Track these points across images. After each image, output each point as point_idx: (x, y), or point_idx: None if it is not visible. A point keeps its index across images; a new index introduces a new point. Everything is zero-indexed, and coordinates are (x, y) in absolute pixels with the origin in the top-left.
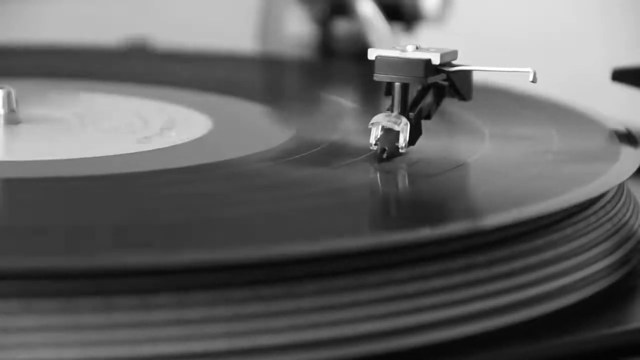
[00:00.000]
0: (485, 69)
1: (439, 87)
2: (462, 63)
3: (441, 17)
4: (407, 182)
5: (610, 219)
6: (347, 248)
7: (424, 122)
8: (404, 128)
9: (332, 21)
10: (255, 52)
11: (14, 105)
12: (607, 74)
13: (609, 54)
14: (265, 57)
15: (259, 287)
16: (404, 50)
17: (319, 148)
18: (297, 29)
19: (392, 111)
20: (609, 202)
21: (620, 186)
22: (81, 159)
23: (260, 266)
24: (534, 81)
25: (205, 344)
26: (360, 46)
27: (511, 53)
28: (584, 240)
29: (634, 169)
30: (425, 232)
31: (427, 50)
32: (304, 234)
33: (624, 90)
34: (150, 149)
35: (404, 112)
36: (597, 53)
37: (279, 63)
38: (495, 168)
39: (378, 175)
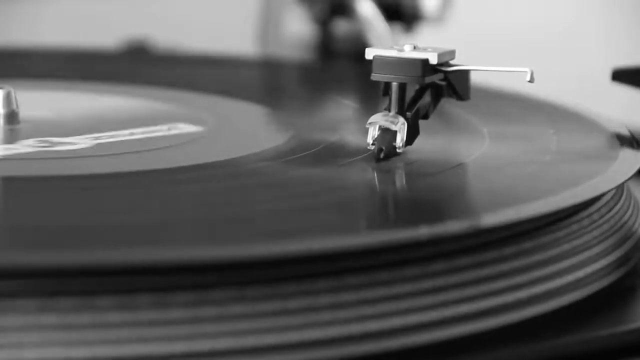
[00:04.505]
0: (482, 69)
1: (437, 87)
2: (460, 63)
3: (441, 17)
4: (404, 181)
5: (610, 218)
6: (344, 247)
7: (421, 122)
8: (401, 128)
9: (332, 21)
10: (255, 53)
11: (14, 105)
12: (607, 74)
13: (609, 54)
14: (265, 58)
15: (257, 286)
16: (401, 50)
17: (317, 148)
18: (297, 29)
19: (389, 111)
20: (609, 201)
21: (620, 186)
22: (81, 158)
23: (259, 265)
24: (531, 81)
25: (204, 344)
26: (360, 46)
27: (511, 53)
28: (583, 239)
29: (634, 169)
30: (423, 231)
31: (425, 49)
32: (302, 233)
33: (624, 91)
34: (149, 148)
35: (401, 111)
36: (597, 53)
37: (278, 64)
38: (493, 168)
39: (375, 174)
